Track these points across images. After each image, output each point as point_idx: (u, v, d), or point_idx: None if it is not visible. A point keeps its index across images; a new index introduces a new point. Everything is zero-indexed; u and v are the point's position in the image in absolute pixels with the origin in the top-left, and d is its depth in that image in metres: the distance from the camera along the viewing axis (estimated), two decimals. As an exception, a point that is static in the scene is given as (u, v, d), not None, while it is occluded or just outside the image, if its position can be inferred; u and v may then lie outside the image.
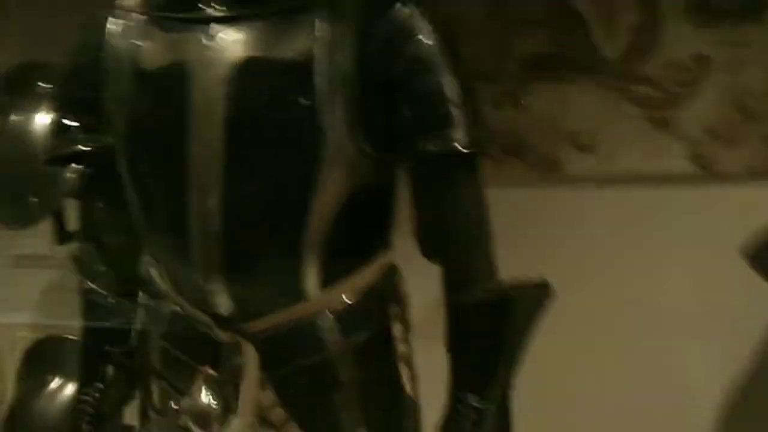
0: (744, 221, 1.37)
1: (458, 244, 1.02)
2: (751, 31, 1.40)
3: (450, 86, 0.95)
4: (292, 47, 0.89)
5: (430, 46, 0.94)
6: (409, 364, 1.10)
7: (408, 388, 1.08)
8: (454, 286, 1.03)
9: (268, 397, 0.96)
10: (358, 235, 1.01)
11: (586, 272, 1.49)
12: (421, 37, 0.93)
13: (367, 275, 1.02)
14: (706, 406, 1.47)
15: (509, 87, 1.50)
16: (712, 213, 1.42)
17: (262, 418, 0.98)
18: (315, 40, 0.88)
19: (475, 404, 1.00)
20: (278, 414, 0.97)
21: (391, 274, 1.09)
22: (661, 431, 1.47)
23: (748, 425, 1.47)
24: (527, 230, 1.53)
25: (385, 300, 1.06)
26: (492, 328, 1.02)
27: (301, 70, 0.89)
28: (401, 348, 1.08)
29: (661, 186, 1.47)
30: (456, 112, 0.94)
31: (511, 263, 1.54)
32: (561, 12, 1.46)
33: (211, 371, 0.95)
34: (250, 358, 0.96)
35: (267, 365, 0.97)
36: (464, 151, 0.96)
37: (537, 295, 1.06)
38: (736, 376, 1.46)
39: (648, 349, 1.49)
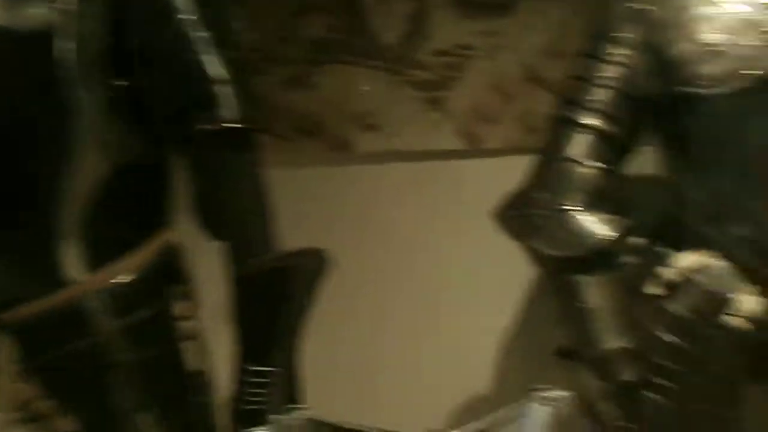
0: (504, 190, 1.59)
1: (235, 219, 1.06)
2: (506, 22, 1.59)
3: (214, 63, 0.97)
4: (29, 16, 0.86)
5: (191, 22, 0.95)
6: (196, 340, 1.12)
7: (196, 365, 1.10)
8: (234, 259, 1.07)
9: (29, 389, 0.93)
10: (129, 215, 1.01)
11: (375, 240, 1.64)
12: (180, 13, 0.94)
13: (142, 255, 1.03)
14: (480, 355, 1.64)
15: (298, 70, 1.58)
16: (478, 183, 1.62)
17: (27, 413, 0.94)
18: (57, 10, 0.86)
19: (261, 372, 1.05)
20: (43, 406, 0.95)
21: (172, 252, 1.09)
22: (443, 384, 1.61)
23: (517, 369, 1.67)
24: (323, 206, 1.63)
25: (165, 279, 1.07)
26: (271, 297, 1.07)
27: (41, 41, 0.87)
28: (185, 325, 1.10)
29: (436, 160, 1.64)
30: (221, 89, 0.97)
31: (308, 237, 1.61)
32: (344, 0, 1.56)
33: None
34: (2, 349, 0.92)
35: (28, 355, 0.94)
36: (232, 127, 0.99)
37: (314, 263, 1.14)
38: (505, 329, 1.66)
39: (430, 309, 1.65)
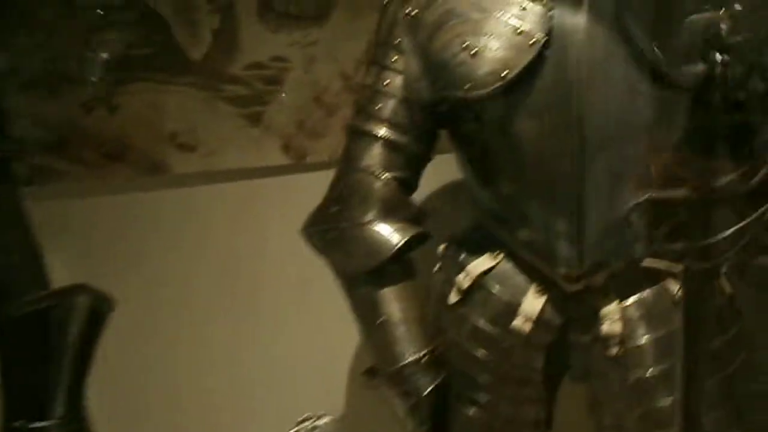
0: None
1: None
2: (320, 32, 1.55)
3: None
4: None
5: None
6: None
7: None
8: None
9: None
10: None
11: (197, 264, 1.53)
12: None
13: None
14: (310, 377, 1.58)
15: (100, 90, 1.47)
16: (305, 199, 1.56)
17: None
18: None
19: (37, 429, 0.95)
20: None
21: None
22: (269, 410, 1.54)
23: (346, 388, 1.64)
24: (138, 232, 1.52)
25: None
26: (40, 341, 0.98)
27: None
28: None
29: (261, 177, 1.56)
30: None
31: (125, 265, 1.50)
32: (144, 14, 1.46)
33: None
34: None
35: None
36: None
37: (88, 300, 1.04)
38: (337, 348, 1.61)
39: (256, 331, 1.57)
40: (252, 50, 1.53)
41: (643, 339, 1.09)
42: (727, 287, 1.11)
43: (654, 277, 1.10)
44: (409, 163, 1.17)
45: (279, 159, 1.57)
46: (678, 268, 1.06)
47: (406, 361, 1.11)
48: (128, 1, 1.44)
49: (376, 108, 1.16)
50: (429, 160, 1.22)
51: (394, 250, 1.12)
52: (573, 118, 1.02)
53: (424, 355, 1.12)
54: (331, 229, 1.18)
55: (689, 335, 1.02)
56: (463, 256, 1.19)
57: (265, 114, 1.56)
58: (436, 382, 1.12)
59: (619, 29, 0.99)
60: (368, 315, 1.16)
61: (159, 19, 1.48)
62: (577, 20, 1.01)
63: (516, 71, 1.02)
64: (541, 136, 1.04)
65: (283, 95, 1.51)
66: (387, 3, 1.17)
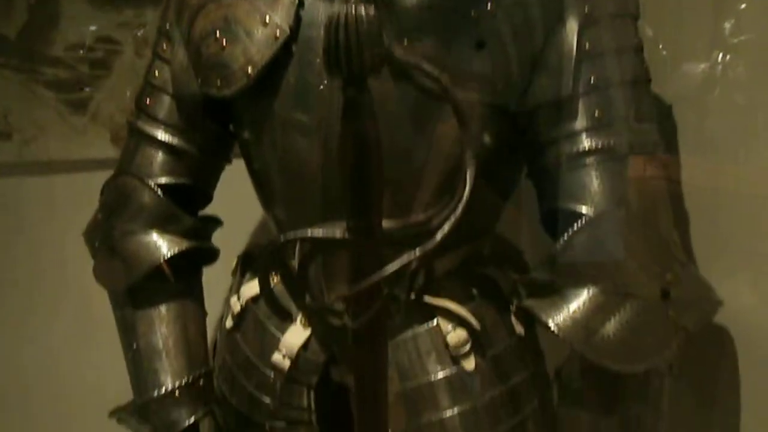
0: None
1: None
2: (151, 13, 1.39)
3: None
4: None
5: None
6: None
7: None
8: None
9: None
10: None
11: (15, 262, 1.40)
12: None
13: None
14: None
15: None
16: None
17: None
18: None
19: None
20: None
21: None
22: None
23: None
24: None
25: None
26: None
27: None
28: None
29: (84, 171, 1.41)
30: None
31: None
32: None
33: None
34: None
35: None
36: None
37: None
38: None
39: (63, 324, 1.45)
40: (74, 29, 1.38)
41: (416, 382, 0.95)
42: (518, 327, 0.99)
43: (426, 315, 0.94)
44: (192, 169, 1.02)
45: (107, 151, 1.42)
46: (455, 305, 0.93)
47: (155, 395, 0.99)
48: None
49: (148, 103, 1.01)
50: (221, 166, 1.07)
51: (156, 264, 0.98)
52: (315, 126, 0.86)
53: (179, 387, 1.00)
54: (98, 238, 1.05)
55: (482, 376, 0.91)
56: (247, 275, 1.04)
57: (91, 101, 1.43)
58: (194, 417, 1.00)
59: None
60: (126, 340, 1.03)
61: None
62: (330, 10, 0.79)
63: (258, 68, 0.86)
64: (292, 148, 0.88)
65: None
66: None
